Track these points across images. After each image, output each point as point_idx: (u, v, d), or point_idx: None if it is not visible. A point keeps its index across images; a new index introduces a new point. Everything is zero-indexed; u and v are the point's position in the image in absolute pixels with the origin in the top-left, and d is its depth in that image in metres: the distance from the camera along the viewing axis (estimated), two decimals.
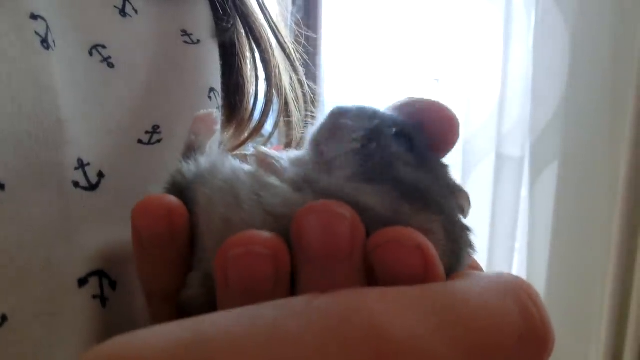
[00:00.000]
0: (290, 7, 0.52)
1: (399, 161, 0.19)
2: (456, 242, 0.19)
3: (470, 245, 0.20)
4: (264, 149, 0.21)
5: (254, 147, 0.21)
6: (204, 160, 0.22)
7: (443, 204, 0.19)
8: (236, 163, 0.21)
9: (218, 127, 0.25)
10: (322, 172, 0.19)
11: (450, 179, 0.21)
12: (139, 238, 0.20)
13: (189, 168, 0.22)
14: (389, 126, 0.20)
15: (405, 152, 0.20)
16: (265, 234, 0.17)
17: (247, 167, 0.21)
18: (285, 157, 0.21)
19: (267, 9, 0.41)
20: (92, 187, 0.26)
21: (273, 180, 0.19)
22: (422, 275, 0.16)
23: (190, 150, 0.24)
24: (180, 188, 0.22)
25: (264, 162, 0.21)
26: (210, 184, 0.21)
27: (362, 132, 0.20)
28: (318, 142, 0.20)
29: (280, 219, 0.18)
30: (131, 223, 0.20)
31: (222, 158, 0.22)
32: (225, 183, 0.20)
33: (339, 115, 0.21)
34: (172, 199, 0.20)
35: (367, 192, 0.18)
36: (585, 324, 1.23)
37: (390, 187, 0.18)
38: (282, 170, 0.20)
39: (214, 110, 0.25)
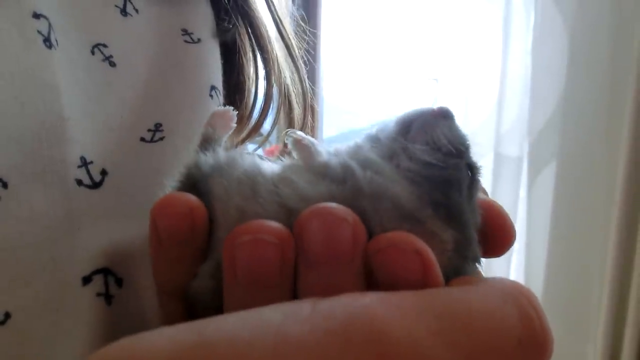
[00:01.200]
0: (290, 5, 0.52)
1: (455, 187, 0.20)
2: (465, 259, 0.20)
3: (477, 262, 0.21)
4: (299, 132, 0.22)
5: (289, 132, 0.22)
6: (221, 153, 0.23)
7: (465, 221, 0.20)
8: (257, 158, 0.22)
9: (234, 123, 0.25)
10: (383, 155, 0.20)
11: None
12: (158, 236, 0.20)
13: (206, 160, 0.22)
14: (470, 154, 0.21)
15: (465, 182, 0.20)
16: (274, 224, 0.17)
17: (270, 163, 0.22)
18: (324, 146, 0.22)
19: (273, 4, 0.41)
20: (96, 185, 0.26)
21: (294, 175, 0.20)
22: (421, 280, 0.16)
23: (207, 142, 0.24)
24: (194, 180, 0.22)
25: (300, 144, 0.21)
26: (228, 175, 0.21)
27: (454, 143, 0.21)
28: (411, 123, 0.21)
29: (294, 213, 0.18)
30: (150, 221, 0.20)
31: (241, 153, 0.22)
32: (245, 175, 0.21)
33: (446, 114, 0.22)
34: (193, 197, 0.20)
35: (402, 187, 0.19)
36: (583, 323, 1.24)
37: (428, 192, 0.19)
38: (317, 153, 0.21)
39: (230, 107, 0.25)
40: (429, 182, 0.19)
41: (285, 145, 0.42)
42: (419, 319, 0.14)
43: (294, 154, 0.22)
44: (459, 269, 0.19)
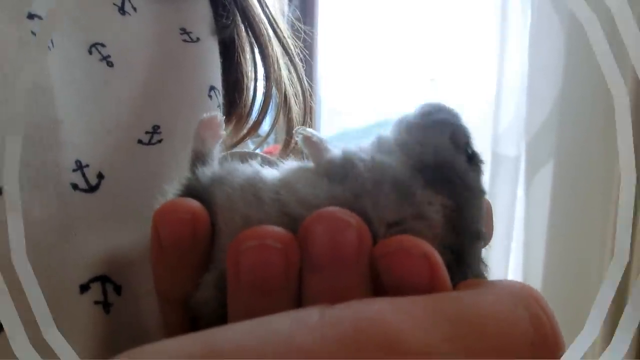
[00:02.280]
0: (286, 7, 0.52)
1: (457, 175, 0.20)
2: (460, 236, 0.19)
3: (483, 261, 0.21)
4: (309, 129, 0.22)
5: (298, 130, 0.22)
6: (217, 166, 0.23)
7: (459, 193, 0.19)
8: (257, 164, 0.22)
9: (223, 130, 0.25)
10: (386, 152, 0.20)
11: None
12: (160, 243, 0.20)
13: (204, 172, 0.22)
14: (471, 147, 0.21)
15: (469, 173, 0.20)
16: (278, 229, 0.17)
17: (271, 169, 0.21)
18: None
19: (265, 4, 0.41)
20: (92, 189, 0.25)
21: (295, 180, 0.20)
22: (428, 284, 0.16)
23: (199, 157, 0.24)
24: (194, 192, 0.21)
25: (310, 141, 0.21)
26: (230, 182, 0.21)
27: (465, 139, 0.21)
28: (413, 124, 0.21)
29: (298, 218, 0.18)
30: (152, 227, 0.20)
31: (243, 160, 0.22)
32: (247, 182, 0.20)
33: (449, 113, 0.22)
34: (195, 203, 0.20)
35: (399, 160, 0.19)
36: (581, 322, 1.24)
37: (420, 158, 0.19)
38: (326, 150, 0.21)
39: (217, 113, 0.25)
40: (431, 168, 0.19)
41: (287, 142, 0.42)
42: (431, 324, 0.14)
43: (305, 152, 0.21)
44: (456, 250, 0.19)
